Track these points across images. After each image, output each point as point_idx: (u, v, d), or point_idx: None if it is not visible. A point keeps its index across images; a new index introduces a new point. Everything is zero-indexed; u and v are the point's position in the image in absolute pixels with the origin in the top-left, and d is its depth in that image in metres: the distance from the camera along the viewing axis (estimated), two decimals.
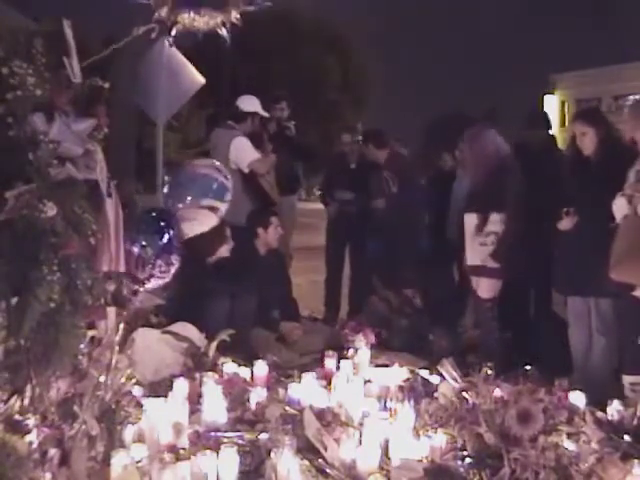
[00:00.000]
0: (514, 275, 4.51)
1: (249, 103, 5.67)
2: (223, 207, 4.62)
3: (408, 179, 5.97)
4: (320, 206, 6.88)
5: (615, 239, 3.54)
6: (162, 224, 3.73)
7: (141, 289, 3.36)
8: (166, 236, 3.69)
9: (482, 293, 4.54)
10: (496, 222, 4.41)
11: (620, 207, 3.63)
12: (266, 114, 5.73)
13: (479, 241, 4.47)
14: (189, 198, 4.49)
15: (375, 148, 5.92)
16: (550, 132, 5.24)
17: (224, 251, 4.76)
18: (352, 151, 6.28)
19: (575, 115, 4.41)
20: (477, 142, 4.57)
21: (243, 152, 5.43)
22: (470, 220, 4.53)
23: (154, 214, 3.86)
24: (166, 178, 4.49)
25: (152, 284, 3.53)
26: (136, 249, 3.51)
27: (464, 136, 4.70)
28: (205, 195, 4.59)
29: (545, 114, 5.58)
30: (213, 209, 4.54)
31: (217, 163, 4.79)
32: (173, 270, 3.66)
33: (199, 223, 4.42)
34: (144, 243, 3.55)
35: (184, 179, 4.66)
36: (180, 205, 4.44)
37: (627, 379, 3.75)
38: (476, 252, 4.49)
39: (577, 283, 4.06)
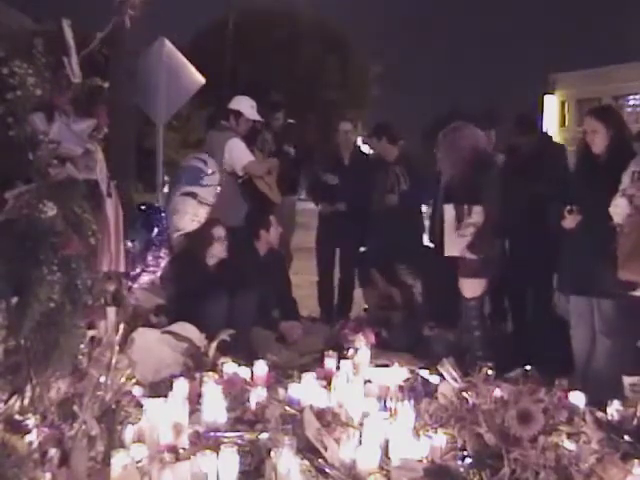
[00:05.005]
0: (493, 274, 4.50)
1: (236, 102, 5.61)
2: (202, 192, 4.59)
3: (419, 175, 5.94)
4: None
5: (620, 239, 3.53)
6: (150, 218, 3.69)
7: (134, 285, 3.34)
8: (155, 230, 3.64)
9: (465, 292, 4.53)
10: (476, 214, 4.38)
11: (620, 207, 3.62)
12: (257, 117, 5.64)
13: (458, 232, 4.45)
14: (173, 190, 4.54)
15: (388, 143, 5.86)
16: (540, 134, 5.24)
17: (219, 251, 4.72)
18: (347, 145, 6.13)
19: (587, 112, 4.34)
20: (450, 138, 4.57)
21: (237, 154, 5.39)
22: (449, 211, 4.52)
23: (142, 208, 3.82)
24: (166, 178, 4.52)
25: (143, 279, 3.50)
26: (126, 244, 3.46)
27: (439, 134, 4.70)
28: (180, 182, 4.64)
29: (532, 118, 5.57)
30: (191, 194, 4.53)
31: (203, 155, 4.80)
32: (162, 264, 3.62)
33: (186, 213, 4.40)
34: (132, 238, 3.51)
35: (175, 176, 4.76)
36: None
37: (627, 380, 3.74)
38: (454, 243, 4.45)
39: (580, 283, 4.03)
